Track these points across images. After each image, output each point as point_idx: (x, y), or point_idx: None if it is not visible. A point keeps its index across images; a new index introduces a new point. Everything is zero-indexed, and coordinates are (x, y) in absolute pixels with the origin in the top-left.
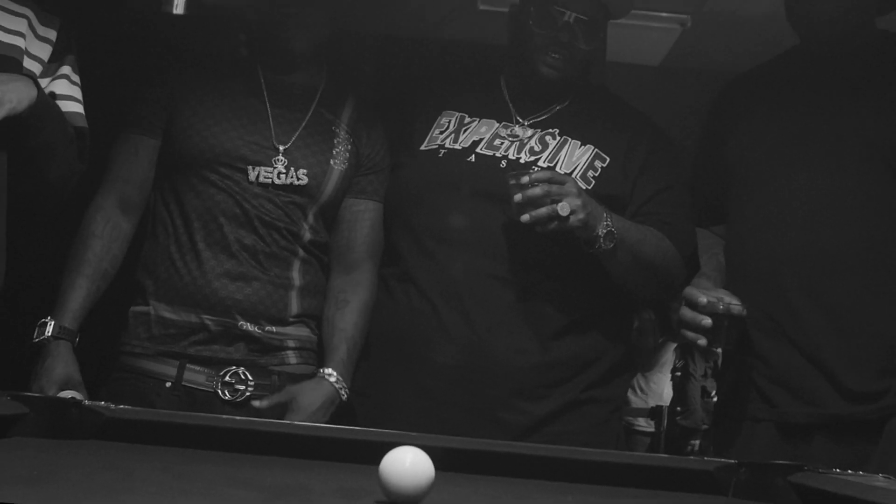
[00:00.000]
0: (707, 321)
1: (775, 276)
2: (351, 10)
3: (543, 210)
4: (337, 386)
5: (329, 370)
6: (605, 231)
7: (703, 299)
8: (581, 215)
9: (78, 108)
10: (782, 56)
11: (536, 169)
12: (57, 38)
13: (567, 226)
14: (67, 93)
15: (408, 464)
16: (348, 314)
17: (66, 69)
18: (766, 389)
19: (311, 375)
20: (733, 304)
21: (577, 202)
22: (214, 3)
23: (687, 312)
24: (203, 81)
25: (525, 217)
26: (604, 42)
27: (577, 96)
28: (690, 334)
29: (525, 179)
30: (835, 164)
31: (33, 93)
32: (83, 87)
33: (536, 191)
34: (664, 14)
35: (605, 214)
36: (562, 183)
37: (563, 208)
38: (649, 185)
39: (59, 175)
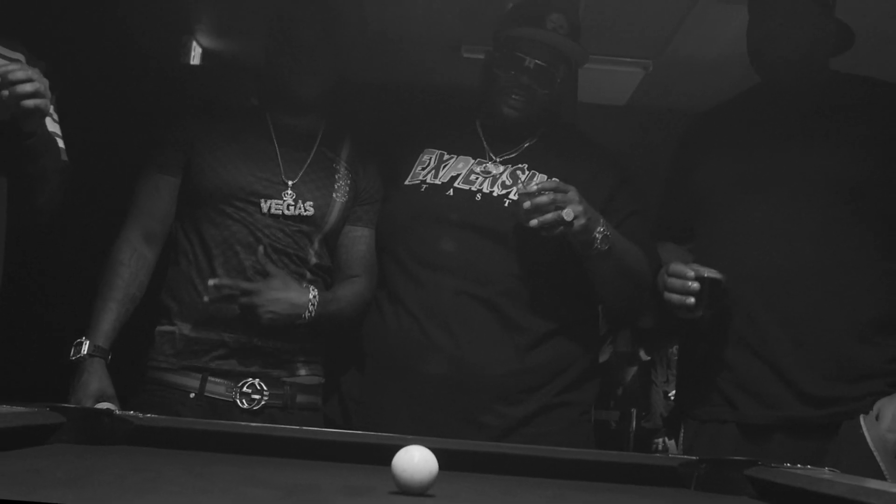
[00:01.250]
0: (695, 284)
1: (739, 292)
2: (349, 59)
3: (550, 216)
4: (311, 301)
5: (314, 288)
6: (601, 235)
7: (691, 273)
8: (583, 220)
9: (61, 143)
10: (745, 94)
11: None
12: None
13: (571, 230)
14: (52, 129)
15: (416, 459)
16: (339, 288)
17: (50, 106)
18: (730, 394)
19: (320, 386)
20: (710, 270)
21: (580, 208)
22: (227, 55)
23: (675, 281)
24: (218, 125)
25: (534, 222)
26: (574, 85)
27: (545, 134)
28: (676, 297)
29: (533, 188)
30: (791, 193)
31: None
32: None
33: (543, 199)
34: (628, 59)
35: (601, 220)
36: (565, 192)
37: (568, 214)
38: (620, 209)
39: (45, 202)
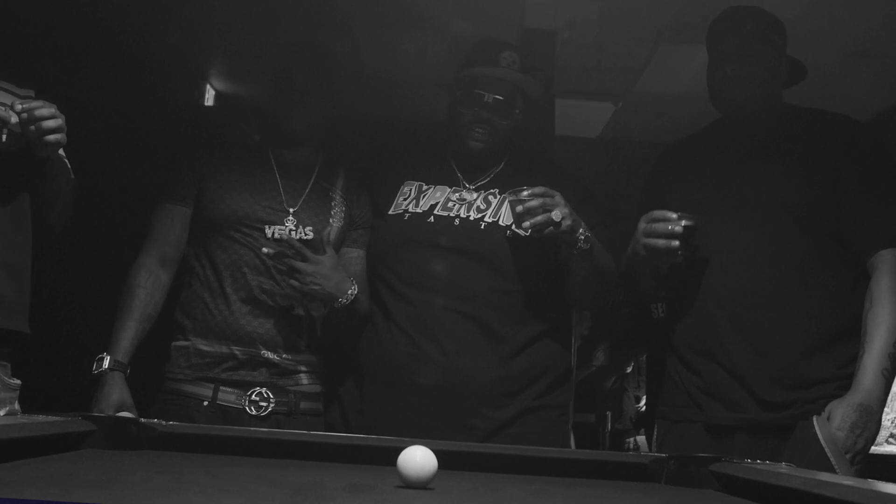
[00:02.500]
0: (679, 228)
1: (706, 309)
2: (343, 98)
3: (541, 217)
4: (350, 292)
5: (355, 282)
6: (583, 236)
7: (674, 215)
8: (569, 221)
9: (68, 164)
10: (709, 127)
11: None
12: None
13: (559, 230)
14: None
15: (419, 457)
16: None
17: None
18: (698, 398)
19: (321, 394)
20: (685, 216)
21: (566, 211)
22: (238, 97)
23: (659, 226)
24: (225, 159)
25: (526, 224)
26: (552, 119)
27: (510, 159)
28: (661, 242)
29: (524, 194)
30: (750, 217)
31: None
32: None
33: (533, 203)
34: (600, 95)
35: (582, 223)
36: (552, 196)
37: (556, 215)
38: (587, 221)
39: (57, 218)
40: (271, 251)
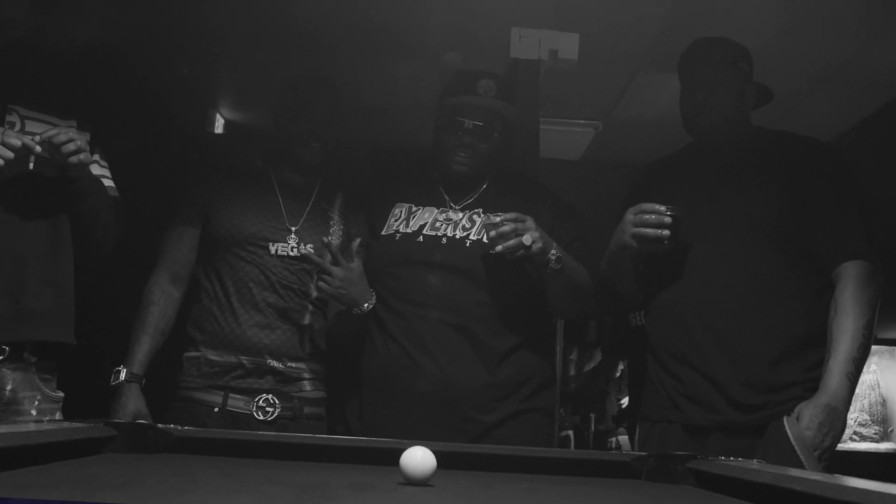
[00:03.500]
0: (668, 218)
1: (683, 318)
2: (342, 125)
3: (512, 241)
4: (371, 302)
5: (374, 293)
6: (554, 256)
7: (663, 207)
8: (539, 244)
9: (110, 182)
10: (683, 149)
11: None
12: (90, 139)
13: (530, 253)
14: (100, 173)
15: (419, 457)
16: None
17: (96, 156)
18: (677, 400)
19: (323, 399)
20: (670, 208)
21: (536, 234)
22: (245, 124)
23: (650, 217)
24: (230, 182)
25: (499, 247)
26: (537, 143)
27: (493, 180)
28: (652, 232)
29: (497, 219)
30: (724, 234)
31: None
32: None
33: (506, 227)
34: (581, 120)
35: (554, 244)
36: (524, 221)
37: (527, 239)
38: (563, 237)
39: (101, 235)
40: (309, 252)
